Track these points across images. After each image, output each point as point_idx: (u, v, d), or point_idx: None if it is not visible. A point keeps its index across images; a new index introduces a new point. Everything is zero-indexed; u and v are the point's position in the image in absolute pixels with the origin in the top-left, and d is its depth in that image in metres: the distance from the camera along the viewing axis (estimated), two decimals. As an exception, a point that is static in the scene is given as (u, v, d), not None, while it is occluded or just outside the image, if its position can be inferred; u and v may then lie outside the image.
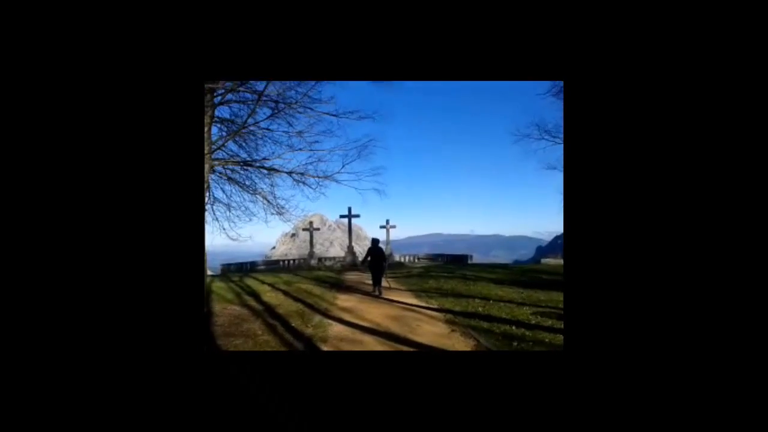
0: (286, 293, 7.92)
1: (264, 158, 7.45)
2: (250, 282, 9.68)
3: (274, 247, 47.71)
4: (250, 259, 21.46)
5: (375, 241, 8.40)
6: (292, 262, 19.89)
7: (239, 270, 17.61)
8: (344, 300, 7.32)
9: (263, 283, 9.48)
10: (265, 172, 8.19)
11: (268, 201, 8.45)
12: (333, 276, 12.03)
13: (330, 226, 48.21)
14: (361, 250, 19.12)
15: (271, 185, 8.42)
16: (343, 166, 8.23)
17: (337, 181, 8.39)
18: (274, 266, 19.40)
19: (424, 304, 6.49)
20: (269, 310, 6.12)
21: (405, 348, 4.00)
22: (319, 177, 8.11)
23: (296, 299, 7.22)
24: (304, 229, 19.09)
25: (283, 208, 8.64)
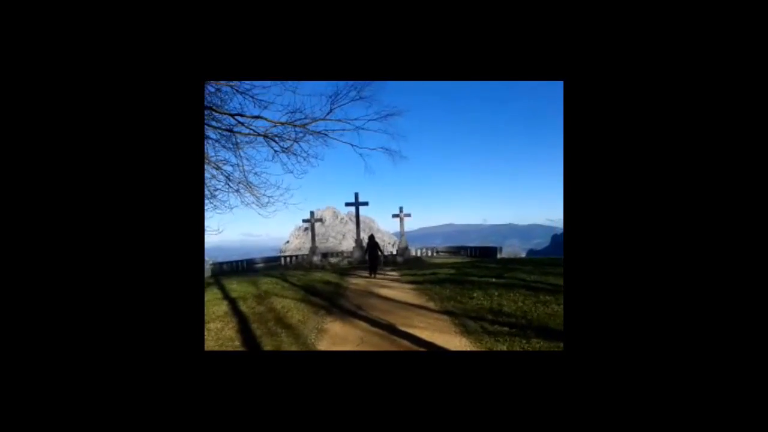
0: (243, 321, 4.59)
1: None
2: (210, 296, 6.41)
3: (287, 242, 44.98)
4: (266, 255, 18.44)
5: (371, 237, 9.96)
6: (292, 259, 16.69)
7: (232, 270, 14.52)
8: (334, 337, 3.93)
9: (225, 298, 6.18)
10: (214, 124, 4.84)
11: (220, 169, 5.17)
12: (333, 280, 8.67)
13: (342, 219, 45.03)
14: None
15: (235, 146, 5.03)
16: (332, 110, 4.75)
17: (323, 134, 4.93)
18: (274, 263, 16.27)
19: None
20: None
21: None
22: (294, 125, 4.66)
23: (251, 339, 3.87)
24: (304, 221, 15.79)
25: (251, 184, 5.31)
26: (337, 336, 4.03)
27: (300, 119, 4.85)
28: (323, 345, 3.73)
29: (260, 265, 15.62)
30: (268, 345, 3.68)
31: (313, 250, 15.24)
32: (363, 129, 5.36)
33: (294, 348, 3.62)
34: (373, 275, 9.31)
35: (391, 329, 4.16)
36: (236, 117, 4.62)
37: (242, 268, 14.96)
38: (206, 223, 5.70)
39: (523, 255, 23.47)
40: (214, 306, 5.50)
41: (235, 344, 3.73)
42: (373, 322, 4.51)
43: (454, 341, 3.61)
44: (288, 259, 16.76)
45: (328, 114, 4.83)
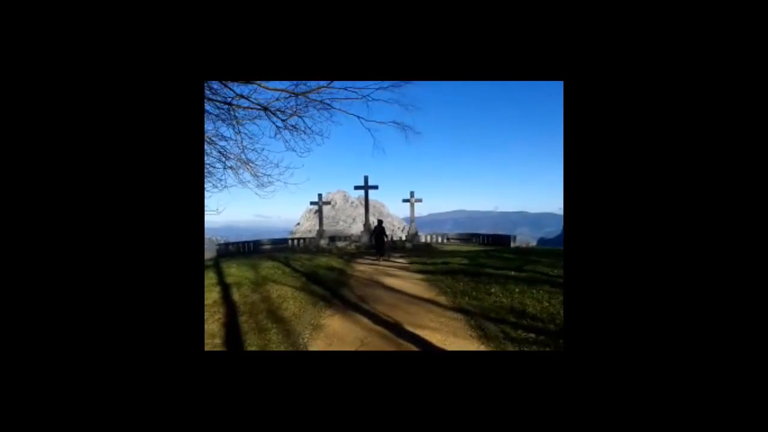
0: (231, 313, 4.10)
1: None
2: (204, 281, 5.97)
3: (298, 223, 44.88)
4: (277, 236, 18.10)
5: (380, 222, 10.51)
6: (300, 241, 16.31)
7: (238, 252, 14.25)
8: (330, 336, 3.39)
9: (219, 283, 5.73)
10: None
11: (214, 144, 4.67)
12: (338, 266, 8.16)
13: (352, 202, 44.52)
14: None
15: (234, 121, 4.46)
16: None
17: (326, 104, 4.25)
18: (281, 245, 15.95)
19: None
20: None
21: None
22: (294, 94, 3.99)
23: (235, 337, 3.36)
24: (312, 203, 15.28)
25: (249, 161, 4.77)
26: (335, 335, 3.48)
27: (302, 89, 4.19)
28: (316, 346, 3.19)
29: (267, 246, 15.31)
30: (252, 345, 3.16)
31: (321, 233, 14.80)
32: (371, 99, 4.65)
33: (282, 349, 3.10)
34: (379, 259, 9.96)
35: (397, 329, 3.58)
36: (228, 84, 3.97)
37: (248, 249, 14.67)
38: (204, 203, 5.23)
39: (534, 243, 22.66)
40: (205, 293, 5.04)
41: (216, 342, 3.23)
42: (377, 319, 3.95)
43: (470, 348, 3.01)
44: (296, 241, 16.40)
45: (330, 82, 4.12)
